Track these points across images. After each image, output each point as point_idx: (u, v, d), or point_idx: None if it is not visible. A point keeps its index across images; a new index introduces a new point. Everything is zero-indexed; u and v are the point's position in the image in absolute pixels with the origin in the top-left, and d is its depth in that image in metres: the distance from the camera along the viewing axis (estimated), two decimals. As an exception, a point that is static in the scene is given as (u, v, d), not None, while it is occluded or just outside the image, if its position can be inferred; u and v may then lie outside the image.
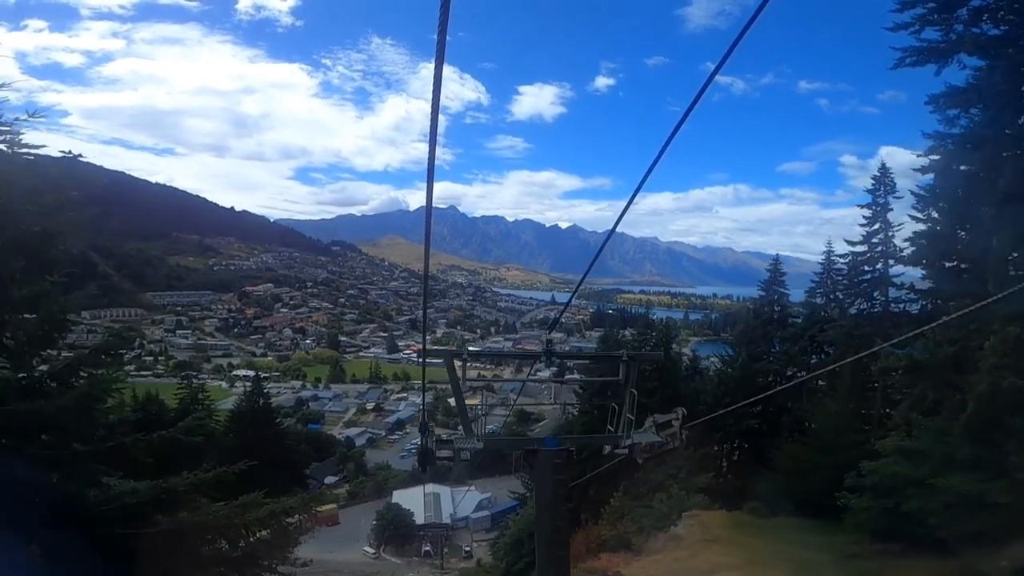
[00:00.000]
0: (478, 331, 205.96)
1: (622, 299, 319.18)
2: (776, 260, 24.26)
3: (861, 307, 21.57)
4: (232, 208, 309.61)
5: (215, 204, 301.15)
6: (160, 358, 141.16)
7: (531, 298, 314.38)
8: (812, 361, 22.40)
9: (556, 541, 5.51)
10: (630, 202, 3.51)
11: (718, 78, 2.72)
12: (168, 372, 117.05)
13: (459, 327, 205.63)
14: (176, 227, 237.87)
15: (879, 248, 20.73)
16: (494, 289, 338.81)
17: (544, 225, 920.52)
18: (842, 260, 21.38)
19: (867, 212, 20.61)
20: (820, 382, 20.04)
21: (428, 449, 5.85)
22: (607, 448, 6.69)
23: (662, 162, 2.95)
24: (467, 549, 44.86)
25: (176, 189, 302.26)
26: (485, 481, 56.90)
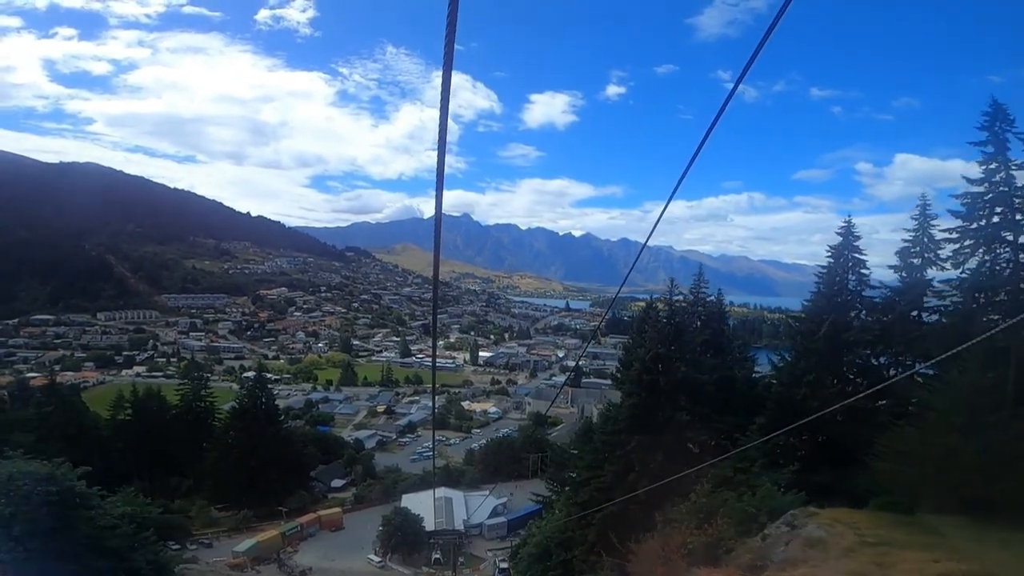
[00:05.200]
0: (492, 336, 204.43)
1: (636, 306, 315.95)
2: (848, 219, 20.58)
3: (983, 259, 17.73)
4: (248, 213, 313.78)
5: (231, 209, 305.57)
6: (173, 360, 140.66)
7: (544, 305, 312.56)
8: (916, 333, 18.41)
9: None
10: (660, 216, 3.27)
11: (729, 86, 2.90)
12: (179, 373, 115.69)
13: (473, 332, 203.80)
14: (193, 231, 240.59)
15: (1002, 188, 17.08)
16: (508, 296, 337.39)
17: (557, 233, 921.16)
18: (959, 197, 17.32)
19: (987, 149, 16.91)
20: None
21: None
22: None
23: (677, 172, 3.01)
24: (504, 567, 37.58)
25: (194, 194, 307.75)
26: (500, 485, 53.58)
